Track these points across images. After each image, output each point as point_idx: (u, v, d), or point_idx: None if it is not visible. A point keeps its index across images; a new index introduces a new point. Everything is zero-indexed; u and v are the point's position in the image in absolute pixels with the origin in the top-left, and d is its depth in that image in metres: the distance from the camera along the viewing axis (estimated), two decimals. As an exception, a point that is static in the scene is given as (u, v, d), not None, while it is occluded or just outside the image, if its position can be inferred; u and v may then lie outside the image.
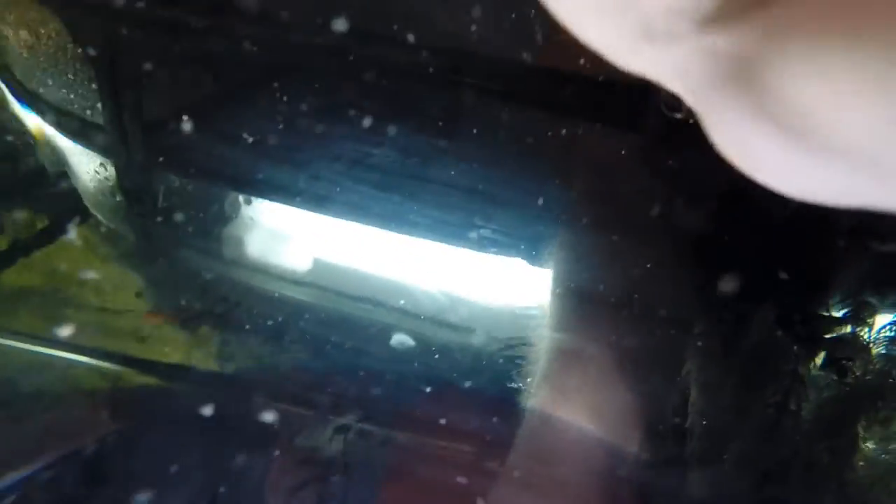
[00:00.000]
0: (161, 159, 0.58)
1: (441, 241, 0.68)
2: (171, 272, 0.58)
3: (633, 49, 0.13)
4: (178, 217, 0.58)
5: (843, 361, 0.55)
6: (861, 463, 0.50)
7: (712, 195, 0.63)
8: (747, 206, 0.61)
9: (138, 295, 0.56)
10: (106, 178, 0.57)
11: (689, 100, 0.13)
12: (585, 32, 0.13)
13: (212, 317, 0.57)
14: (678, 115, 0.45)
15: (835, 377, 0.55)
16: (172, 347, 0.55)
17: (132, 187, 0.57)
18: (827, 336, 0.55)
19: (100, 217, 0.58)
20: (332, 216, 0.63)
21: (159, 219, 0.58)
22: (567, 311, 0.67)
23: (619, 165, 0.63)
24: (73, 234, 0.57)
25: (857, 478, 0.50)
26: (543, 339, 0.68)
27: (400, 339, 0.65)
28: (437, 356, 0.67)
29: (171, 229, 0.59)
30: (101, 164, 0.57)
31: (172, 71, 0.59)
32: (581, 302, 0.67)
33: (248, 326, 0.58)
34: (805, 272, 0.58)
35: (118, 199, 0.57)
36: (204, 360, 0.55)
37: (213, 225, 0.59)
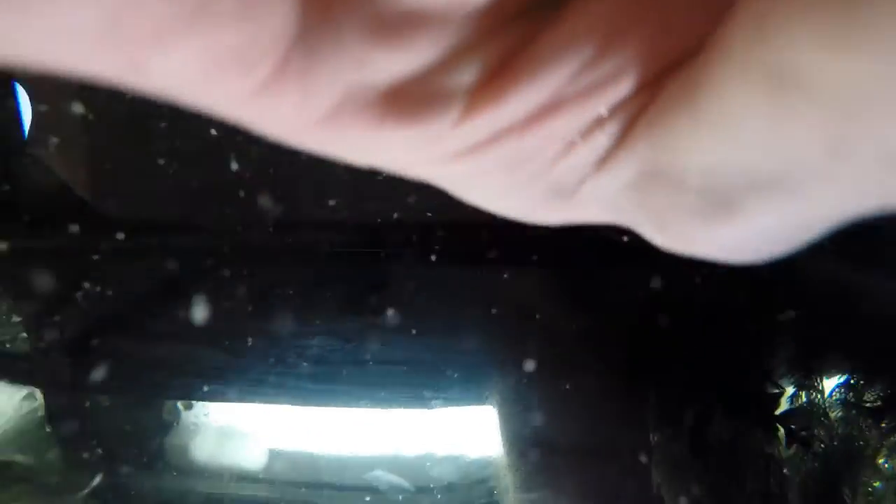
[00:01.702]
0: (90, 378, 0.55)
1: (394, 408, 0.67)
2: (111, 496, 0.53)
3: (549, 209, 0.14)
4: (112, 436, 0.55)
5: (803, 433, 0.57)
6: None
7: (632, 313, 0.66)
8: (662, 323, 0.64)
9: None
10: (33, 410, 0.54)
11: (622, 220, 0.14)
12: (498, 209, 0.14)
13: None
14: (625, 238, 0.48)
15: (801, 450, 0.56)
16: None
17: (60, 413, 0.54)
18: (778, 412, 0.57)
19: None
20: (280, 405, 0.61)
21: (93, 443, 0.54)
22: (529, 464, 0.66)
23: (545, 303, 0.66)
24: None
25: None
26: (509, 496, 0.66)
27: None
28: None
29: (107, 450, 0.55)
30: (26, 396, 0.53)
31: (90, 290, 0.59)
32: (542, 453, 0.66)
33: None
34: (735, 359, 0.61)
35: (47, 429, 0.54)
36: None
37: (153, 438, 0.56)
